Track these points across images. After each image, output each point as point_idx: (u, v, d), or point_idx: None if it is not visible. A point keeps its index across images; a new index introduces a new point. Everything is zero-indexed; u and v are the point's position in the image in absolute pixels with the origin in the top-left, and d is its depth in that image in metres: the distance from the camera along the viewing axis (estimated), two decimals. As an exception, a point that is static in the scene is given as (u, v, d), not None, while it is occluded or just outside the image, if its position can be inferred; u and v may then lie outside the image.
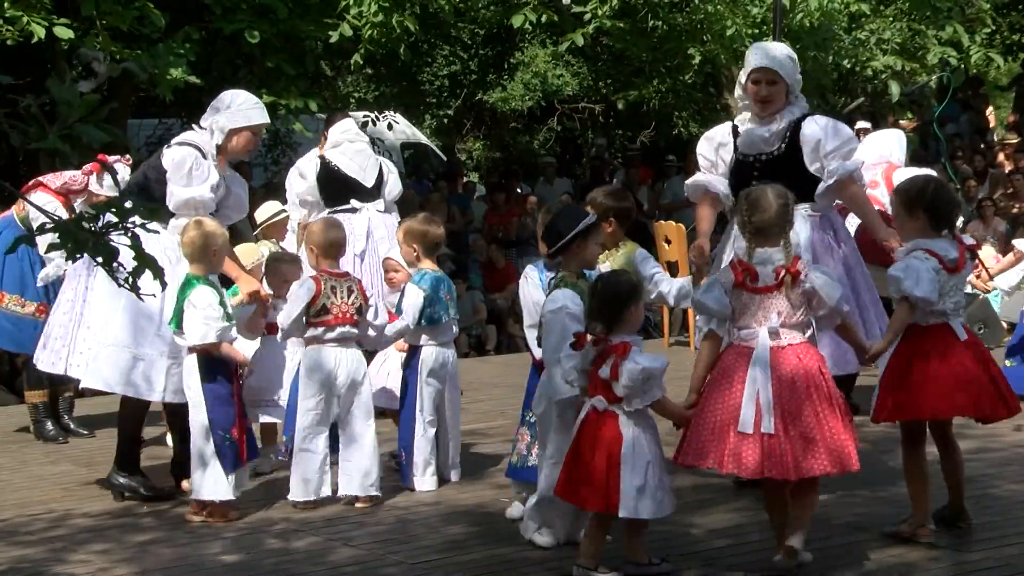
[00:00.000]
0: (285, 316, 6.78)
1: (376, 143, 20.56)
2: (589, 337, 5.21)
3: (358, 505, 6.68)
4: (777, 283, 5.25)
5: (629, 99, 20.33)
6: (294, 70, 13.67)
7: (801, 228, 6.28)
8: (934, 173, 8.43)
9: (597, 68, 21.51)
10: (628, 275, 5.53)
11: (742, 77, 6.50)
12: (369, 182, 9.01)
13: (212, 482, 6.43)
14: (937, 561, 5.43)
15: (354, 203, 7.73)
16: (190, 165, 6.93)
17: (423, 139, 23.44)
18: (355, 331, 6.80)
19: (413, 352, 7.09)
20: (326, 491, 6.71)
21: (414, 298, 6.95)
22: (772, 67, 6.38)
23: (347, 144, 9.09)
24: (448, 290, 7.10)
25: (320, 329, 6.71)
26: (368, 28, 13.37)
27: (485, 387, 10.84)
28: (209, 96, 7.72)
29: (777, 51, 6.48)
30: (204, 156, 7.01)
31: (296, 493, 6.69)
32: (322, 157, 9.13)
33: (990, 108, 23.12)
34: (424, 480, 7.00)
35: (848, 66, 15.49)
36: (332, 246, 6.85)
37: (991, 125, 22.38)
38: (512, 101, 22.86)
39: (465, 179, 20.87)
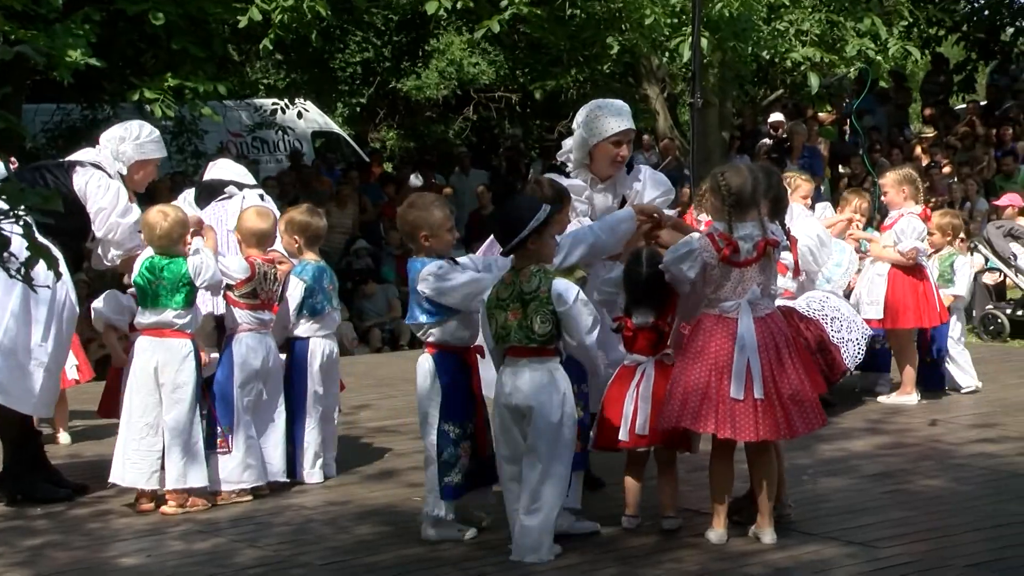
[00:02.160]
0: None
1: (286, 131, 20.52)
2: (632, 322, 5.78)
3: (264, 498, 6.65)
4: (757, 256, 5.53)
5: (546, 88, 20.38)
6: (202, 53, 13.48)
7: None
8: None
9: (514, 56, 21.53)
10: (655, 257, 5.77)
11: (590, 138, 6.28)
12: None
13: (197, 469, 6.56)
14: (852, 558, 5.50)
15: (231, 189, 7.61)
16: (126, 194, 7.11)
17: (335, 128, 23.31)
18: (273, 318, 6.97)
19: (296, 343, 7.12)
20: (263, 477, 6.81)
21: (293, 289, 7.03)
22: (633, 127, 6.38)
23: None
24: (331, 280, 7.21)
25: (247, 312, 6.83)
26: (278, 12, 13.25)
27: (398, 383, 10.80)
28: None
29: (628, 109, 6.42)
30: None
31: (243, 478, 6.73)
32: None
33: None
34: (314, 473, 7.09)
35: (767, 57, 15.67)
36: (260, 236, 6.93)
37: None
38: (427, 89, 22.84)
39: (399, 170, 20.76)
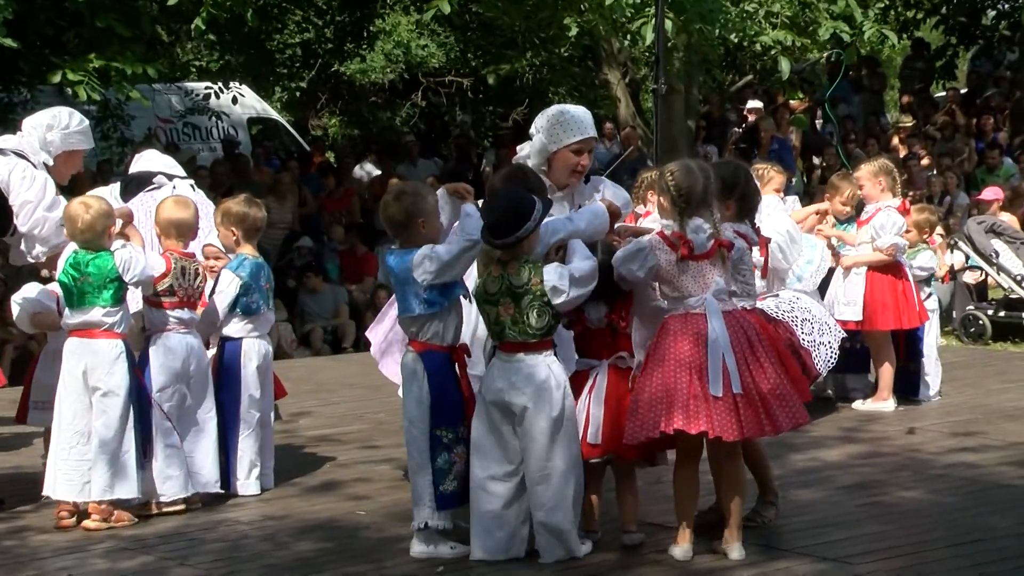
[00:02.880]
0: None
1: (220, 117, 20.42)
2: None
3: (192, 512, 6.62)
4: (711, 249, 5.63)
5: (500, 73, 20.43)
6: (129, 32, 13.36)
7: None
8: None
9: (465, 38, 21.56)
10: (609, 246, 5.84)
11: (550, 144, 6.44)
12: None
13: (125, 481, 6.50)
14: (825, 575, 5.54)
15: (160, 179, 7.57)
16: (53, 186, 7.04)
17: (273, 114, 23.21)
18: (197, 316, 6.93)
19: (228, 344, 7.10)
20: (186, 489, 6.78)
21: (227, 285, 6.99)
22: (595, 136, 6.47)
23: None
24: (268, 278, 7.18)
25: (165, 311, 6.79)
26: (211, -11, 13.18)
27: (341, 388, 10.78)
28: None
29: (591, 117, 6.54)
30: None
31: (163, 490, 6.70)
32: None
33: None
34: (249, 484, 7.06)
35: (736, 40, 15.75)
36: (180, 226, 6.89)
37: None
38: (372, 73, 22.79)
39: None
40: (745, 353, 5.61)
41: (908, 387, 9.38)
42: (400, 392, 6.69)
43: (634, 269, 5.65)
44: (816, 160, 18.86)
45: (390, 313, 7.07)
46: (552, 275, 5.59)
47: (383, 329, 7.04)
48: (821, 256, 8.97)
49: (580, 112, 6.52)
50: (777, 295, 8.70)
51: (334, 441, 8.55)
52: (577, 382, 5.83)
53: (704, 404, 5.52)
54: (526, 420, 5.59)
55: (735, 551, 5.69)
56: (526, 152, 6.53)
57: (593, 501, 5.95)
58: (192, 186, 7.69)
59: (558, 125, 6.40)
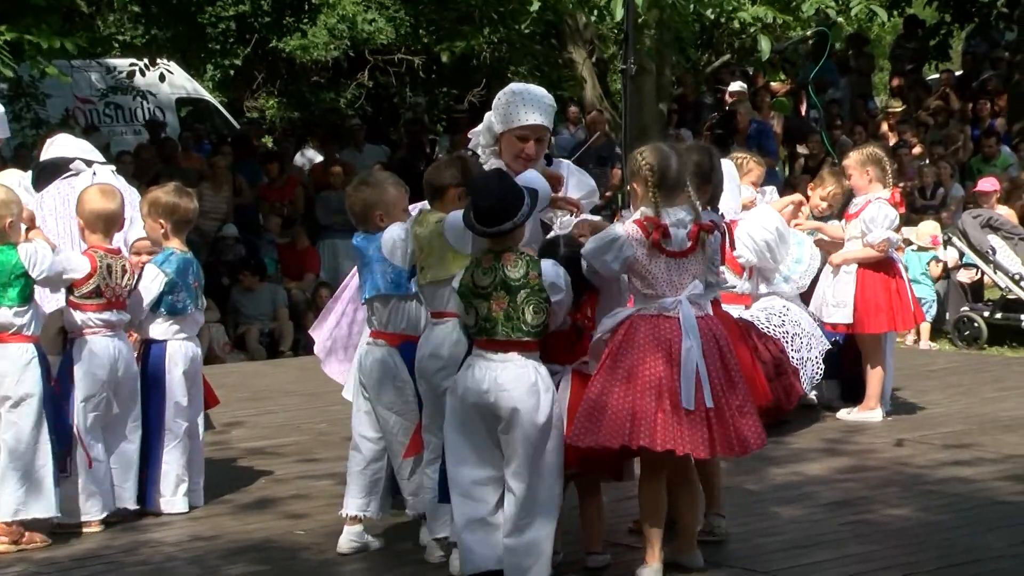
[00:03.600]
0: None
1: (146, 97, 20.32)
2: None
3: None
4: (692, 245, 5.63)
5: (455, 51, 20.38)
6: (44, 1, 13.26)
7: None
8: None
9: (417, 12, 21.49)
10: (573, 240, 5.90)
11: (497, 124, 6.46)
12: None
13: (40, 498, 6.46)
14: (806, 598, 5.59)
15: (78, 164, 7.50)
16: None
17: (204, 94, 23.12)
18: (126, 317, 6.89)
19: (151, 347, 7.07)
20: (110, 506, 6.78)
21: (150, 281, 6.97)
22: (546, 125, 6.45)
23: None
24: (196, 275, 7.16)
25: (90, 314, 6.75)
26: (135, -44, 13.11)
27: (277, 396, 10.75)
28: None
29: (549, 101, 6.52)
30: None
31: (86, 509, 6.68)
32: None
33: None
34: (175, 501, 7.04)
35: (712, 17, 15.80)
36: (108, 218, 6.85)
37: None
38: (313, 50, 22.64)
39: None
40: (717, 365, 5.64)
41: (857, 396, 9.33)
42: (346, 394, 6.70)
43: (608, 261, 5.64)
44: (800, 148, 18.93)
45: (335, 309, 7.11)
46: (551, 271, 5.61)
47: (328, 326, 7.09)
48: (810, 255, 9.00)
49: (537, 95, 6.45)
50: (766, 307, 8.75)
51: (270, 454, 8.53)
52: None
53: (673, 419, 5.53)
54: (513, 425, 5.56)
55: (697, 559, 5.75)
56: (480, 128, 6.57)
57: None
58: (114, 172, 7.64)
59: (507, 105, 6.39)
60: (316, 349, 7.18)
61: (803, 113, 20.33)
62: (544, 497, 5.59)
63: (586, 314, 5.83)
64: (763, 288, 9.06)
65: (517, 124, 6.36)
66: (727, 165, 8.56)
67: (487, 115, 6.50)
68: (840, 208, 9.88)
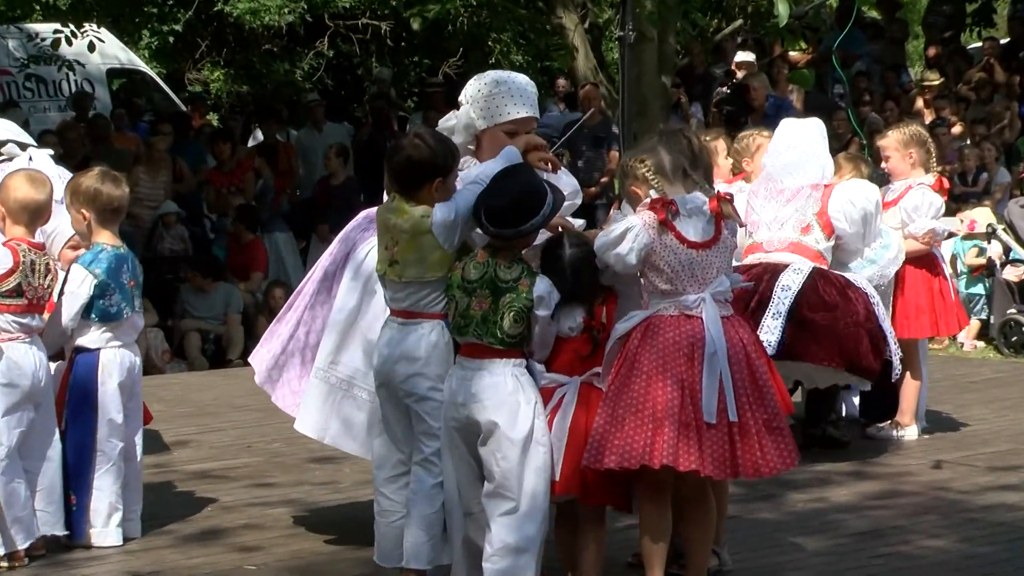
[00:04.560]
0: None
1: (73, 68, 20.27)
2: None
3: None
4: (716, 235, 5.71)
5: (427, 16, 20.36)
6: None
7: None
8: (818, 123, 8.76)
9: (384, -30, 21.53)
10: (580, 237, 5.99)
11: (478, 120, 6.48)
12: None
13: None
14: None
15: (11, 148, 7.48)
16: None
17: (140, 65, 23.08)
18: (43, 323, 6.89)
19: (81, 357, 7.05)
20: (31, 535, 6.77)
21: (78, 285, 6.96)
22: (536, 117, 6.51)
23: None
24: (132, 274, 7.14)
25: (9, 316, 6.73)
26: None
27: (225, 411, 10.74)
28: None
29: (533, 90, 6.58)
30: None
31: (16, 536, 6.67)
32: None
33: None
34: (108, 533, 7.02)
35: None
36: (35, 210, 6.85)
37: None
38: (265, 14, 22.70)
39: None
40: (744, 373, 5.67)
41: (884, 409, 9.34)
42: (303, 427, 6.72)
43: (623, 253, 5.68)
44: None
45: (286, 318, 7.03)
46: (544, 286, 5.71)
47: (280, 340, 6.96)
48: (898, 244, 8.96)
49: (521, 83, 6.51)
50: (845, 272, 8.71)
51: (217, 477, 8.53)
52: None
53: (695, 434, 5.56)
54: (488, 439, 5.66)
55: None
56: (452, 124, 6.55)
57: (563, 544, 6.00)
58: (51, 157, 7.63)
59: (491, 98, 6.42)
60: (258, 378, 7.06)
61: (830, 88, 20.36)
62: (525, 523, 5.64)
63: (601, 320, 5.87)
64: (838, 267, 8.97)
65: (505, 119, 6.41)
66: (816, 125, 8.78)
67: (462, 109, 6.51)
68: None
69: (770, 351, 7.86)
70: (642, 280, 5.79)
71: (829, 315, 8.27)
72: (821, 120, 8.89)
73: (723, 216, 5.75)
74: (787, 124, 8.82)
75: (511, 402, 5.66)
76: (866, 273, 8.62)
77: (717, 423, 5.57)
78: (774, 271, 8.37)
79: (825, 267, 8.50)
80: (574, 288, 5.82)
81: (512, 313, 5.68)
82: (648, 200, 5.75)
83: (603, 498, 5.83)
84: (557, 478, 5.78)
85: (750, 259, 8.47)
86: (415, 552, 5.93)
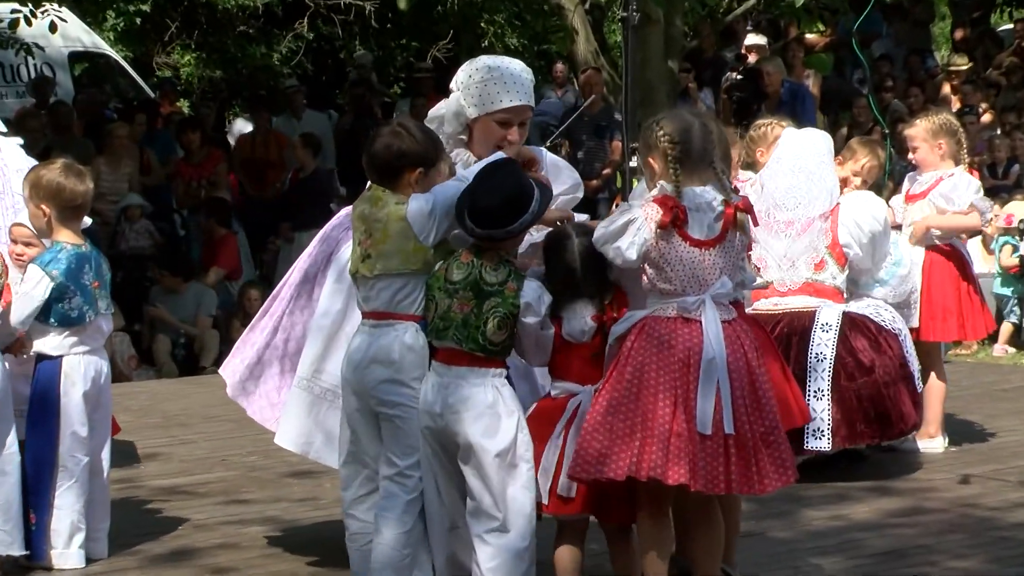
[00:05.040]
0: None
1: (31, 51, 20.26)
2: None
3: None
4: (722, 232, 5.67)
5: (415, -5, 20.40)
6: None
7: None
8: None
9: (368, -53, 21.53)
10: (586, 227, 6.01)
11: (469, 108, 6.51)
12: None
13: None
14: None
15: None
16: None
17: (104, 48, 23.06)
18: None
19: (43, 365, 7.05)
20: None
21: (33, 286, 6.95)
22: (530, 105, 6.55)
23: None
24: (96, 273, 7.14)
25: None
26: None
27: (197, 422, 10.76)
28: None
29: (529, 76, 6.62)
30: None
31: None
32: None
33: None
34: (69, 555, 7.01)
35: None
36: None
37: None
38: (240, -6, 22.67)
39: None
40: (743, 381, 5.67)
41: None
42: (284, 441, 6.73)
43: (623, 248, 5.65)
44: (842, 114, 18.97)
45: (260, 325, 7.01)
46: (533, 292, 5.72)
47: (255, 349, 6.94)
48: (910, 258, 8.98)
49: (515, 70, 6.56)
50: (868, 303, 8.71)
51: (189, 493, 8.54)
52: (548, 414, 5.84)
53: (687, 445, 5.55)
54: (472, 456, 5.68)
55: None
56: (443, 113, 6.58)
57: (569, 566, 5.94)
58: (22, 147, 7.65)
59: (483, 84, 6.47)
60: (230, 390, 7.04)
61: (846, 72, 20.37)
62: (513, 542, 5.67)
63: (612, 317, 5.85)
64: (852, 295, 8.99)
65: (497, 107, 6.46)
66: (822, 141, 8.75)
67: (452, 97, 6.54)
68: (884, 186, 9.94)
69: (824, 442, 8.12)
70: (643, 277, 5.78)
71: (869, 380, 8.29)
72: (824, 138, 8.81)
73: (736, 227, 5.74)
74: (790, 139, 8.72)
75: (490, 415, 5.67)
76: (879, 294, 8.66)
77: (712, 434, 5.56)
78: (802, 331, 8.35)
79: (848, 308, 8.47)
80: (584, 282, 5.81)
81: (496, 319, 5.69)
82: (657, 191, 5.73)
83: (623, 516, 5.82)
84: (574, 494, 5.77)
85: (764, 304, 8.41)
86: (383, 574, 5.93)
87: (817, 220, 8.48)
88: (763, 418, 5.68)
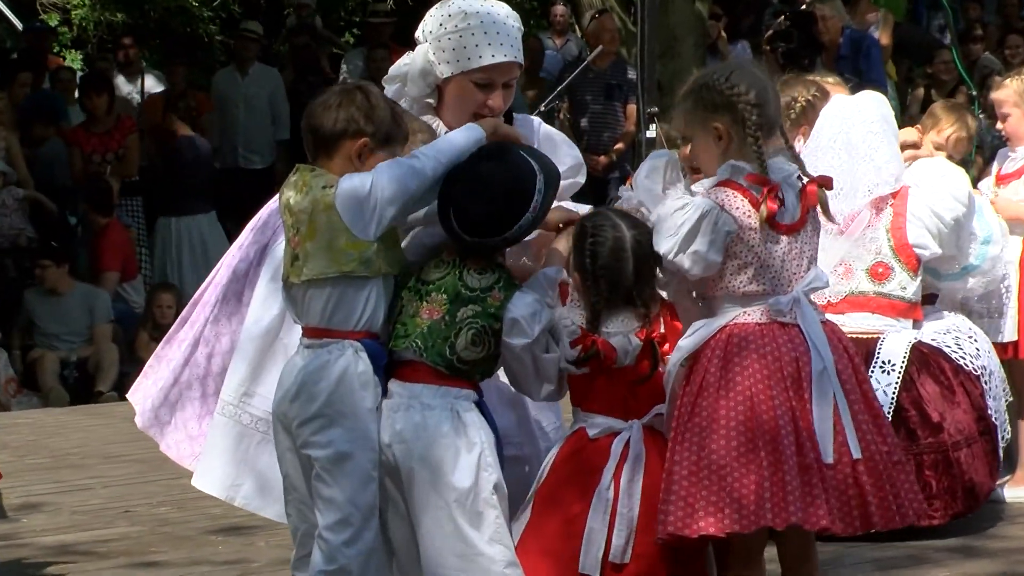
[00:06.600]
0: None
1: None
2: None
3: None
4: (803, 215, 5.73)
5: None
6: None
7: None
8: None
9: None
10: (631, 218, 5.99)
11: (441, 65, 6.36)
12: None
13: None
14: None
15: None
16: None
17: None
18: None
19: None
20: None
21: None
22: (518, 61, 6.49)
23: None
24: None
25: None
26: None
27: (94, 462, 10.80)
28: None
29: (517, 24, 6.52)
30: None
31: None
32: None
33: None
34: None
35: None
36: None
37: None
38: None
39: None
40: (856, 393, 5.69)
41: None
42: (202, 483, 6.75)
43: (703, 252, 5.63)
44: (916, 71, 19.06)
45: (178, 337, 7.03)
46: (525, 306, 5.70)
47: (171, 367, 6.93)
48: (1001, 229, 8.94)
49: (501, 17, 6.44)
50: (949, 327, 8.70)
51: (84, 553, 8.57)
52: (588, 458, 5.81)
53: (817, 479, 5.56)
54: (415, 496, 5.69)
55: None
56: (405, 71, 6.56)
57: None
58: None
59: (458, 35, 6.35)
60: (140, 420, 6.97)
61: (922, 19, 20.46)
62: None
63: (661, 335, 5.84)
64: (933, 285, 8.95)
65: (477, 64, 6.37)
66: (876, 104, 8.70)
67: (419, 49, 6.47)
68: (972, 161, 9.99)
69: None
70: (708, 281, 5.75)
71: (935, 442, 8.31)
72: (877, 101, 8.73)
73: (820, 206, 5.80)
74: (832, 106, 8.65)
75: (445, 446, 5.65)
76: (969, 284, 8.66)
77: (836, 462, 5.58)
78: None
79: (921, 336, 8.55)
80: (635, 290, 5.80)
81: (471, 332, 5.69)
82: (730, 173, 5.73)
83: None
84: (628, 560, 5.74)
85: None
86: None
87: (867, 211, 8.49)
88: (884, 436, 5.73)
